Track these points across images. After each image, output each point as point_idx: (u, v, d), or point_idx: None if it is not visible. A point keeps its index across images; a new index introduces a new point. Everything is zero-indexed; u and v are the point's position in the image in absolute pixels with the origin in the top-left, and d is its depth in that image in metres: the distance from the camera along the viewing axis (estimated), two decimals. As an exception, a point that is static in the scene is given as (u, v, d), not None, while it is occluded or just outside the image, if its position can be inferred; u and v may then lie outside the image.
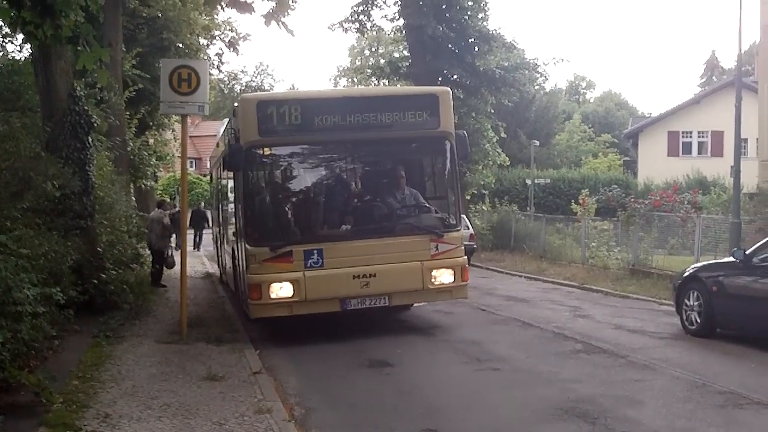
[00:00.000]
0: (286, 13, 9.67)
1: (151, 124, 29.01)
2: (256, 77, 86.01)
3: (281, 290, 11.65)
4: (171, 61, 13.16)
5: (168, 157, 31.89)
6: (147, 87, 24.74)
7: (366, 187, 13.01)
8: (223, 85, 75.13)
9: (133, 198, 24.26)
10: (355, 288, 11.84)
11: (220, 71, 44.43)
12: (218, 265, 22.06)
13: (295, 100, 12.32)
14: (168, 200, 26.24)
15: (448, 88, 13.40)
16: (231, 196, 15.51)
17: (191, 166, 64.09)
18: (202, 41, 31.85)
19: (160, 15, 27.43)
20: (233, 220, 14.48)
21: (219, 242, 20.86)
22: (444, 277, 12.34)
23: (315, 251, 11.72)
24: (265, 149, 12.16)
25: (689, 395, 8.73)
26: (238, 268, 13.42)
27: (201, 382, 9.24)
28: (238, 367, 10.09)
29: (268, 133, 11.86)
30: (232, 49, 33.02)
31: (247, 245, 11.90)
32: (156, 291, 17.57)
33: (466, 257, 12.93)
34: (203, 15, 29.40)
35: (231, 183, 15.21)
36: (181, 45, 28.40)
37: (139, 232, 19.27)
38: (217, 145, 21.34)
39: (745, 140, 30.81)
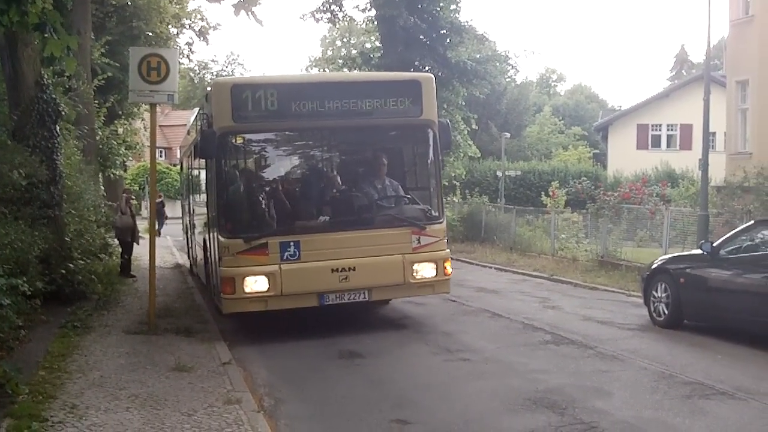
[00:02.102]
0: (256, 3, 9.41)
1: (120, 113, 28.75)
2: (226, 66, 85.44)
3: (256, 284, 11.20)
4: (140, 50, 13.01)
5: (137, 147, 31.63)
6: (116, 75, 24.51)
7: (345, 176, 12.56)
8: (193, 74, 74.51)
9: (102, 187, 24.02)
10: (334, 282, 11.42)
11: (190, 60, 44.31)
12: (188, 256, 21.47)
13: (271, 85, 11.71)
14: (134, 189, 26.08)
15: (432, 75, 12.82)
16: (203, 185, 14.88)
17: (161, 156, 63.70)
18: (172, 30, 31.61)
19: (130, 3, 27.23)
20: (205, 210, 13.92)
21: (190, 233, 20.12)
22: (426, 271, 11.92)
23: (291, 243, 11.30)
24: (240, 136, 11.79)
25: (656, 386, 8.83)
26: (210, 260, 12.98)
27: (170, 373, 9.18)
28: (208, 358, 10.05)
29: (243, 119, 11.41)
30: (202, 38, 32.84)
31: (220, 237, 11.41)
32: (125, 281, 17.45)
33: (448, 251, 12.43)
34: (173, 3, 29.18)
35: (203, 172, 14.67)
36: (150, 33, 28.13)
37: (108, 221, 19.11)
38: (188, 133, 20.55)
39: (714, 134, 31.05)
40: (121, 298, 15.04)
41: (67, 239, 13.73)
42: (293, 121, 11.72)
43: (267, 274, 11.20)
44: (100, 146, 23.75)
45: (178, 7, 30.22)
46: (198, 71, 78.10)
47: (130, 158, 33.62)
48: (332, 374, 9.58)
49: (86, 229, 15.69)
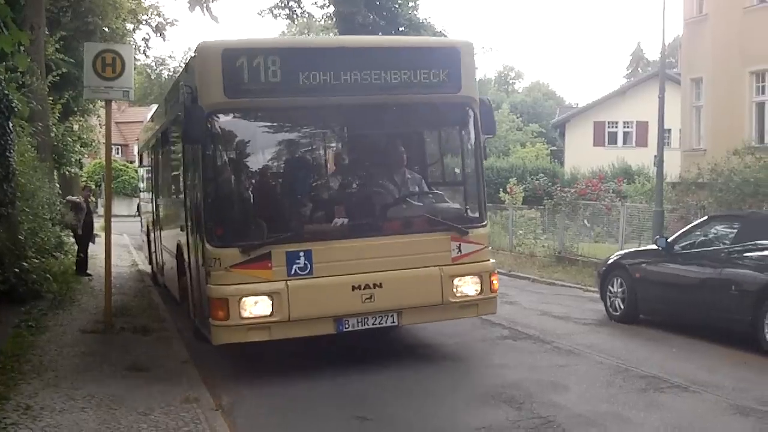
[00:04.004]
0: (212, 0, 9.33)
1: (75, 109, 28.38)
2: (184, 62, 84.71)
3: (256, 307, 8.82)
4: (95, 45, 12.90)
5: (93, 144, 31.25)
6: (71, 72, 24.12)
7: (367, 168, 10.21)
8: (150, 71, 73.72)
9: (58, 185, 23.71)
10: (355, 303, 9.10)
11: (147, 56, 43.83)
12: (150, 262, 18.55)
13: (272, 50, 9.28)
14: (92, 187, 25.80)
15: (471, 42, 10.18)
16: (176, 179, 12.13)
17: (117, 153, 63.05)
18: (129, 26, 31.30)
19: (85, -2, 26.85)
20: (180, 210, 11.17)
21: (153, 236, 16.71)
22: (468, 287, 9.63)
23: (302, 254, 8.96)
24: (233, 115, 9.31)
25: (612, 380, 8.94)
26: (189, 273, 10.58)
27: (126, 372, 9.10)
28: (165, 357, 9.96)
29: (237, 94, 8.98)
30: (159, 34, 32.59)
31: (207, 245, 8.90)
32: (80, 280, 17.23)
33: (493, 261, 10.08)
34: (129, -1, 28.89)
35: (175, 163, 12.18)
36: (106, 29, 27.81)
37: (63, 219, 18.87)
38: (152, 120, 17.92)
39: (669, 131, 31.55)
40: (76, 297, 14.83)
41: (20, 237, 13.55)
42: (301, 96, 9.25)
43: (270, 294, 8.85)
44: (55, 143, 23.43)
45: (134, 2, 29.91)
46: (155, 67, 77.08)
47: (86, 155, 33.18)
48: (292, 371, 9.55)
49: (41, 228, 15.50)
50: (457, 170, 10.83)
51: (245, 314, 8.81)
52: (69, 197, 18.56)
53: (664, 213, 19.15)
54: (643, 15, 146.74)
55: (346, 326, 9.19)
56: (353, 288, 9.09)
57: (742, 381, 8.81)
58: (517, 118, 71.28)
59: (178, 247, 11.51)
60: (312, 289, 8.99)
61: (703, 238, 11.99)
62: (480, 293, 9.68)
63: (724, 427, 7.41)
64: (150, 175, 17.62)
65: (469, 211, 10.09)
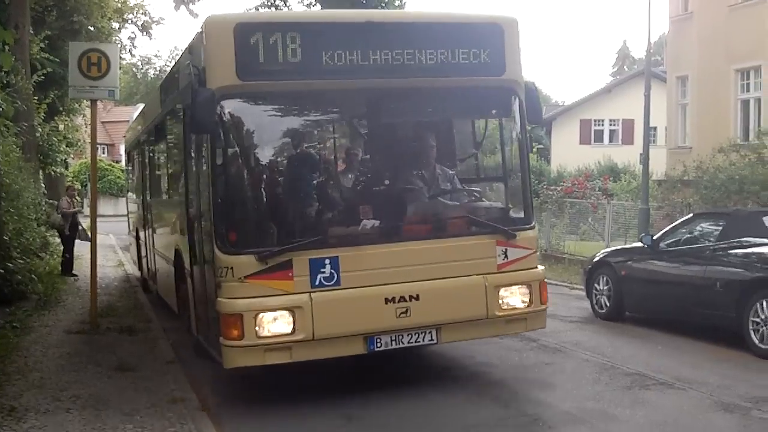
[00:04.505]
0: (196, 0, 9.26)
1: (61, 109, 28.26)
2: (170, 61, 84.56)
3: (275, 324, 7.65)
4: (80, 45, 12.88)
5: (79, 143, 31.13)
6: (57, 71, 24.03)
7: (400, 163, 8.87)
8: (136, 70, 73.69)
9: (43, 185, 23.60)
10: (389, 318, 7.91)
11: (133, 55, 43.69)
12: (140, 267, 17.03)
13: (292, 24, 8.16)
14: (78, 187, 25.69)
15: (516, 18, 8.94)
16: (175, 177, 11.11)
17: (103, 153, 62.79)
18: (114, 24, 31.17)
19: (70, -3, 26.72)
20: (178, 211, 10.18)
21: (144, 239, 15.21)
22: (516, 298, 8.50)
23: (327, 261, 7.80)
24: (247, 100, 8.11)
25: (598, 377, 8.98)
26: (191, 283, 9.26)
27: (112, 373, 9.07)
28: (151, 357, 9.94)
29: (252, 75, 7.73)
30: (145, 33, 32.47)
31: (217, 252, 7.66)
32: (66, 280, 17.17)
33: (542, 269, 9.01)
34: (115, -2, 28.78)
35: (174, 159, 11.14)
36: (92, 28, 27.72)
37: (49, 220, 18.79)
38: (142, 114, 16.46)
39: (655, 128, 31.62)
40: (62, 298, 14.79)
41: (5, 238, 13.46)
42: (324, 79, 8.03)
43: (291, 309, 7.66)
44: (41, 143, 23.31)
45: (120, 1, 29.80)
46: (141, 66, 77.20)
47: (72, 155, 33.03)
48: (279, 370, 9.52)
49: (26, 228, 15.42)
50: (499, 164, 9.47)
51: (262, 333, 7.61)
52: (64, 210, 18.43)
53: (649, 210, 19.24)
54: (628, 13, 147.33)
55: (378, 345, 8.01)
56: (387, 301, 7.90)
57: (727, 378, 8.85)
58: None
59: (177, 253, 10.25)
60: (340, 302, 7.79)
61: (688, 235, 12.05)
62: (529, 305, 8.55)
63: (708, 423, 7.44)
64: (140, 173, 16.30)
65: (513, 210, 8.98)
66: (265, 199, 8.49)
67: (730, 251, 10.81)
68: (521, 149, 8.92)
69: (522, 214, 8.84)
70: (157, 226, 13.19)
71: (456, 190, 9.00)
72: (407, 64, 8.15)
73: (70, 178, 38.26)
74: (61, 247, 18.60)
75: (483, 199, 9.34)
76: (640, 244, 12.51)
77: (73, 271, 18.26)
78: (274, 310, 7.67)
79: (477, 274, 8.28)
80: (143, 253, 15.73)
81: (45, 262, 16.84)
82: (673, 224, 12.82)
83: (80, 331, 11.59)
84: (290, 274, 7.70)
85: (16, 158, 17.05)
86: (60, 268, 18.02)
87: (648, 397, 8.12)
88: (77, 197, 21.74)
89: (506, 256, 8.45)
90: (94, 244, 12.22)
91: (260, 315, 7.60)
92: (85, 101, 24.28)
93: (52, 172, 26.18)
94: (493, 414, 7.60)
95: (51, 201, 20.69)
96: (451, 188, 8.92)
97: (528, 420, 7.42)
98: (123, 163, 44.16)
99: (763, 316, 9.84)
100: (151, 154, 14.25)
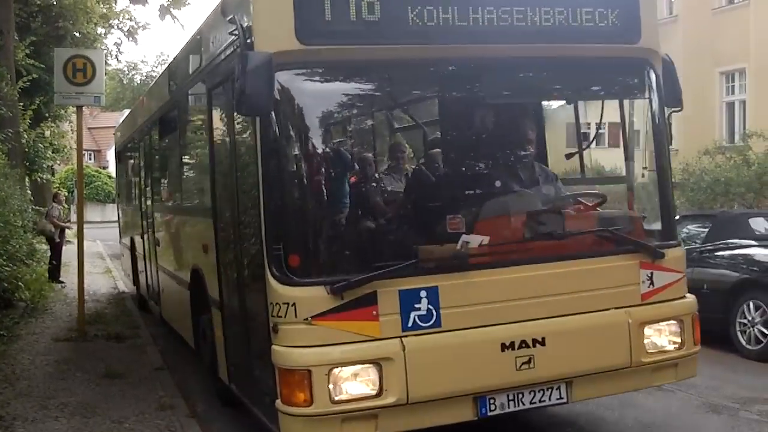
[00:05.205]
0: (182, 5, 9.10)
1: (47, 115, 28.11)
2: (157, 67, 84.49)
3: (355, 383, 5.56)
4: (65, 51, 12.86)
5: (65, 150, 31.01)
6: (42, 77, 23.92)
7: (513, 160, 6.92)
8: (122, 75, 73.55)
9: (29, 192, 23.49)
10: (507, 370, 5.85)
11: (119, 61, 43.61)
12: (136, 282, 15.09)
13: None
14: (65, 194, 25.63)
15: None
16: (192, 178, 9.26)
17: (89, 159, 62.64)
18: (100, 30, 31.07)
19: (55, 3, 26.62)
20: (198, 221, 8.21)
21: (144, 253, 13.15)
22: (664, 338, 6.45)
23: (423, 293, 5.70)
24: (309, 72, 5.92)
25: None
26: (221, 317, 7.30)
27: (100, 380, 9.02)
28: (139, 364, 9.90)
29: (316, 38, 5.64)
30: (131, 39, 32.29)
31: (273, 281, 5.59)
32: (53, 287, 17.11)
33: (693, 298, 6.66)
34: (101, 4, 28.67)
35: (192, 155, 9.18)
36: (77, 34, 27.61)
37: (36, 227, 18.71)
38: (140, 108, 14.20)
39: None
40: (49, 305, 14.74)
41: (-9, 245, 13.39)
42: (411, 43, 5.89)
43: (377, 361, 5.56)
44: (27, 149, 23.19)
45: (105, 7, 29.69)
46: (127, 72, 77.07)
47: (58, 162, 32.93)
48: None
49: (12, 235, 15.31)
50: (630, 161, 7.20)
51: (339, 396, 5.52)
52: (54, 220, 18.42)
53: (636, 213, 19.28)
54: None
55: (492, 408, 5.96)
56: (503, 347, 5.84)
57: (714, 379, 8.88)
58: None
59: (196, 274, 8.34)
60: (441, 350, 5.71)
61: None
62: (680, 347, 6.46)
63: (696, 424, 7.49)
64: (138, 174, 14.30)
65: (650, 221, 6.82)
66: (337, 208, 6.47)
67: (717, 253, 10.87)
68: (658, 140, 6.81)
69: (663, 226, 6.70)
70: (163, 238, 11.14)
71: (588, 194, 7.17)
72: (517, 26, 6.10)
73: (57, 185, 38.12)
74: (49, 254, 18.53)
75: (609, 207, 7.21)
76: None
77: (60, 278, 18.19)
78: (354, 363, 5.55)
79: (617, 308, 6.22)
80: (140, 267, 13.86)
81: (32, 270, 16.73)
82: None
83: (68, 338, 11.54)
84: (374, 312, 5.58)
85: (2, 165, 16.95)
86: (47, 275, 17.94)
87: (636, 399, 8.11)
88: (65, 204, 21.70)
89: (652, 283, 6.37)
90: (81, 251, 12.17)
91: (335, 371, 5.50)
92: (71, 107, 24.21)
93: (39, 179, 26.05)
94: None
95: (37, 208, 20.60)
96: (555, 190, 6.96)
97: (517, 424, 7.42)
98: (111, 167, 43.82)
99: (750, 318, 9.92)
100: (153, 152, 12.28)
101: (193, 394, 8.67)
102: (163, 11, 9.00)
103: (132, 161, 16.01)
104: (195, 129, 8.91)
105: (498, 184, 6.59)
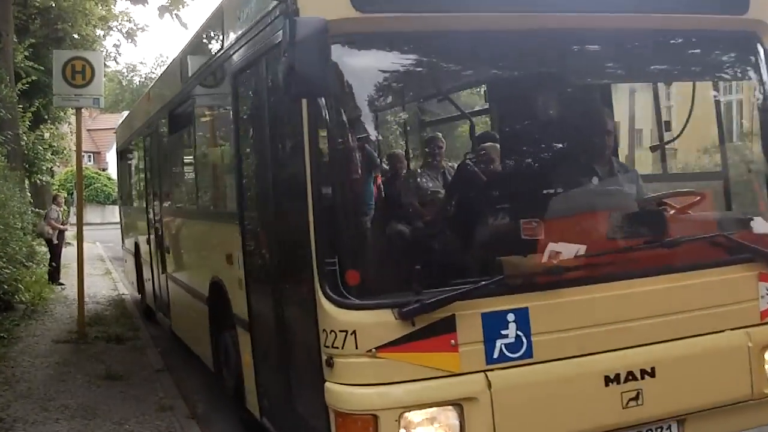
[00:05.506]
0: (182, 6, 9.03)
1: (46, 117, 28.10)
2: (156, 69, 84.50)
3: (431, 431, 4.57)
4: (64, 53, 12.87)
5: (65, 152, 31.01)
6: (41, 79, 23.94)
7: (593, 154, 5.65)
8: (121, 77, 73.58)
9: (29, 194, 23.50)
10: (611, 409, 4.82)
11: (118, 63, 43.62)
12: (141, 290, 14.16)
13: None
14: (65, 195, 25.65)
15: None
16: (210, 175, 8.34)
17: (89, 161, 62.66)
18: (99, 32, 31.12)
19: (54, 5, 26.64)
20: (222, 225, 7.14)
21: (150, 258, 12.16)
22: None
23: (511, 317, 4.69)
24: (368, 45, 4.90)
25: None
26: (253, 341, 6.16)
27: (101, 382, 9.02)
28: (139, 366, 9.90)
29: (375, 5, 4.71)
30: (130, 40, 32.40)
31: (325, 301, 4.58)
32: (53, 289, 17.11)
33: None
34: (99, 5, 28.70)
35: (213, 148, 8.17)
36: (76, 36, 27.69)
37: (35, 229, 18.73)
38: (146, 102, 12.89)
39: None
40: (49, 307, 14.74)
41: (-9, 248, 13.40)
42: (489, 11, 4.92)
43: (458, 402, 4.55)
44: (26, 152, 23.20)
45: (104, 9, 29.72)
46: (126, 74, 77.08)
47: (58, 163, 32.91)
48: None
49: (12, 237, 15.32)
50: (728, 153, 6.22)
51: None
52: (53, 223, 18.45)
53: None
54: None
55: None
56: (607, 381, 4.80)
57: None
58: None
59: (216, 287, 7.30)
60: (535, 387, 4.69)
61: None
62: None
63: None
64: (144, 173, 13.33)
65: (760, 223, 5.50)
66: (405, 211, 5.53)
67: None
68: (766, 127, 5.70)
69: None
70: (175, 244, 10.12)
71: (679, 194, 5.87)
72: None
73: (56, 187, 38.11)
74: (48, 256, 18.54)
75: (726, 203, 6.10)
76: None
77: (60, 280, 18.20)
78: (431, 405, 4.52)
79: (733, 329, 5.17)
80: (146, 275, 12.89)
81: (32, 272, 16.76)
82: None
83: (68, 340, 11.54)
84: (453, 341, 4.52)
85: (2, 167, 16.97)
86: (47, 277, 17.95)
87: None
88: (64, 206, 21.71)
89: None
90: (80, 252, 12.17)
91: (408, 415, 4.47)
92: (70, 109, 24.22)
93: (38, 181, 26.06)
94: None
95: (37, 210, 20.62)
96: (637, 187, 5.80)
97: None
98: (111, 169, 43.73)
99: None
100: (162, 149, 11.21)
101: (193, 396, 8.67)
102: (162, 10, 8.98)
103: (137, 160, 14.98)
104: (215, 120, 7.96)
105: (594, 180, 5.54)
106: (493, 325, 4.62)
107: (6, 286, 13.40)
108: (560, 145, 5.83)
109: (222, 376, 7.54)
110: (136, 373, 9.49)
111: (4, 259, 13.98)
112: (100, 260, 26.20)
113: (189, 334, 9.73)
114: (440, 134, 7.09)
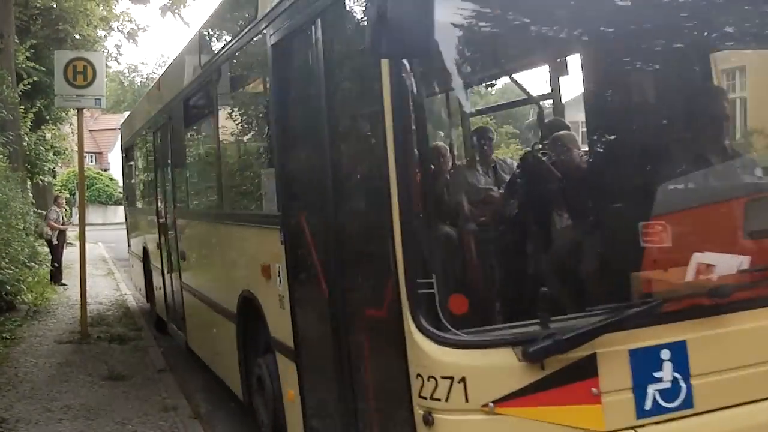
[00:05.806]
0: (183, 5, 9.05)
1: (48, 118, 28.14)
2: (157, 69, 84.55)
3: None
4: (65, 53, 12.87)
5: (66, 152, 31.04)
6: (43, 80, 23.94)
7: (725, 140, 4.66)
8: (123, 77, 73.62)
9: (31, 195, 23.52)
10: None
11: (119, 63, 43.62)
12: (150, 299, 13.05)
13: None
14: (67, 196, 25.67)
15: None
16: (239, 174, 7.16)
17: (91, 161, 62.63)
18: (100, 33, 31.12)
19: (55, 6, 26.64)
20: (253, 232, 6.16)
21: (161, 266, 10.95)
22: None
23: (667, 353, 3.57)
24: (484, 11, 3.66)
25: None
26: (301, 377, 5.06)
27: (103, 382, 9.02)
28: (142, 366, 9.90)
29: None
30: (131, 41, 32.36)
31: (419, 336, 3.39)
32: (56, 290, 17.12)
33: None
34: (100, 6, 28.70)
35: (243, 140, 7.04)
36: (78, 36, 27.67)
37: (37, 230, 18.75)
38: (158, 87, 11.79)
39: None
40: (52, 308, 14.76)
41: (-7, 248, 13.41)
42: None
43: None
44: (28, 152, 23.22)
45: (105, 9, 29.72)
46: (127, 74, 77.16)
47: (59, 164, 32.94)
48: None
49: (14, 238, 15.33)
50: None
51: None
52: (52, 224, 18.46)
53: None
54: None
55: None
56: None
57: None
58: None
59: (248, 303, 6.23)
60: None
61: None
62: None
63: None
64: (153, 173, 12.07)
65: None
66: (528, 216, 4.34)
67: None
68: None
69: None
70: (192, 250, 9.03)
71: None
72: None
73: (58, 187, 38.17)
74: (50, 257, 18.54)
75: None
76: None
77: (63, 281, 18.21)
78: None
79: None
80: (156, 283, 11.82)
81: (34, 272, 16.76)
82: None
83: (70, 340, 11.54)
84: (594, 389, 3.46)
85: (3, 168, 16.97)
86: (49, 278, 17.96)
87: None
88: (66, 206, 21.72)
89: None
90: (83, 253, 12.17)
91: None
92: (71, 110, 24.23)
93: (40, 182, 26.08)
94: None
95: (39, 211, 20.63)
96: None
97: None
98: (113, 169, 43.81)
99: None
100: (177, 141, 9.74)
101: (196, 395, 8.67)
102: (164, 9, 8.92)
103: (145, 156, 13.46)
104: (246, 104, 6.84)
105: (721, 174, 4.46)
106: (643, 365, 3.54)
107: (8, 287, 13.41)
108: (674, 131, 4.66)
109: (253, 408, 6.49)
110: (138, 373, 9.49)
111: (7, 260, 13.99)
112: (103, 261, 26.21)
113: (210, 353, 8.59)
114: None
